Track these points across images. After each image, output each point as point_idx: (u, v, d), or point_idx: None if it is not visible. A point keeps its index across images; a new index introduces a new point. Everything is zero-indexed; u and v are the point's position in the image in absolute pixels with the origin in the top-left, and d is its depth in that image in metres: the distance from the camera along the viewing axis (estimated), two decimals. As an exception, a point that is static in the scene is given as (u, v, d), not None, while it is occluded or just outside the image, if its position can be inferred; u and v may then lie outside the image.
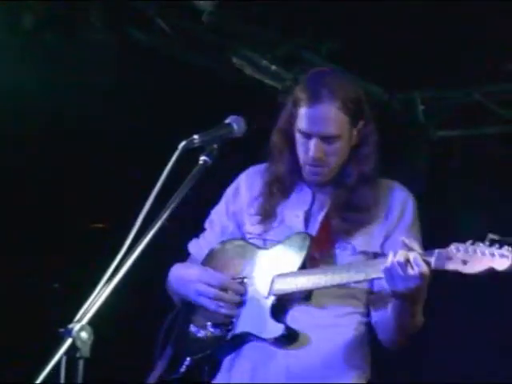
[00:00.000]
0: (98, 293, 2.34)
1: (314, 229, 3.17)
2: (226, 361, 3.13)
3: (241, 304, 3.11)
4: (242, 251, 3.23)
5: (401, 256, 2.77)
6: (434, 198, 6.04)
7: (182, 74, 5.69)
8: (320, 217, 3.18)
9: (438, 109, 6.84)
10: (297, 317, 3.06)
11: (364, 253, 3.11)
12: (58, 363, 2.23)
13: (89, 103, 5.53)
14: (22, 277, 5.99)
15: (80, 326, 2.26)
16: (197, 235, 3.43)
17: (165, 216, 2.56)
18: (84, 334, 2.26)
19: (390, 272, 2.79)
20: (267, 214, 3.23)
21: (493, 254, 2.57)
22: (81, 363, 2.26)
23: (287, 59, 5.93)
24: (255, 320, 3.06)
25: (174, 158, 2.66)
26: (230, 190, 3.40)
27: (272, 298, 3.05)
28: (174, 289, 3.33)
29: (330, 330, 3.09)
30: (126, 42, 5.53)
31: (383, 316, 3.08)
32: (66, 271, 6.10)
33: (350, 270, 2.96)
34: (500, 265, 2.56)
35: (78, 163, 5.92)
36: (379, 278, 2.92)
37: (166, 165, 2.64)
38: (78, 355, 2.25)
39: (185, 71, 5.74)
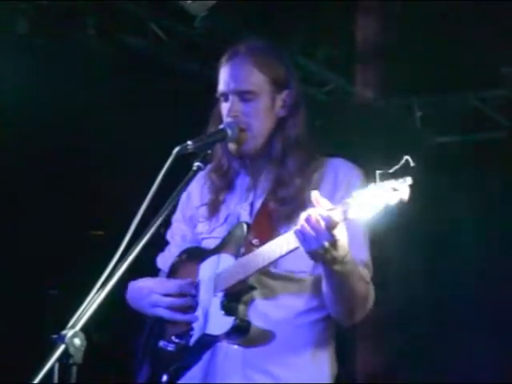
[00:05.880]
0: (92, 299, 2.33)
1: (252, 218, 3.06)
2: (197, 368, 3.05)
3: (195, 308, 3.03)
4: (195, 256, 3.15)
5: (307, 213, 2.65)
6: (433, 205, 6.04)
7: (176, 79, 5.69)
8: (258, 203, 3.07)
9: (435, 115, 6.82)
10: (252, 317, 2.96)
11: None
12: (51, 369, 2.22)
13: (82, 109, 5.52)
14: (19, 282, 5.96)
15: (73, 333, 2.25)
16: (162, 249, 3.33)
17: (159, 222, 2.55)
18: (77, 341, 2.25)
19: (301, 233, 2.67)
20: (214, 208, 3.13)
21: (385, 191, 2.46)
22: (73, 369, 2.25)
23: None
24: (209, 320, 2.98)
25: (167, 164, 2.66)
26: (183, 196, 3.24)
27: (220, 295, 2.96)
28: (133, 306, 3.25)
29: (288, 329, 2.99)
30: (119, 47, 5.52)
31: (324, 292, 2.95)
32: (64, 278, 6.07)
33: (275, 246, 2.81)
34: (392, 199, 2.46)
35: (75, 168, 5.90)
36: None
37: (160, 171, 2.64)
38: (70, 361, 2.24)
39: (179, 76, 5.73)
